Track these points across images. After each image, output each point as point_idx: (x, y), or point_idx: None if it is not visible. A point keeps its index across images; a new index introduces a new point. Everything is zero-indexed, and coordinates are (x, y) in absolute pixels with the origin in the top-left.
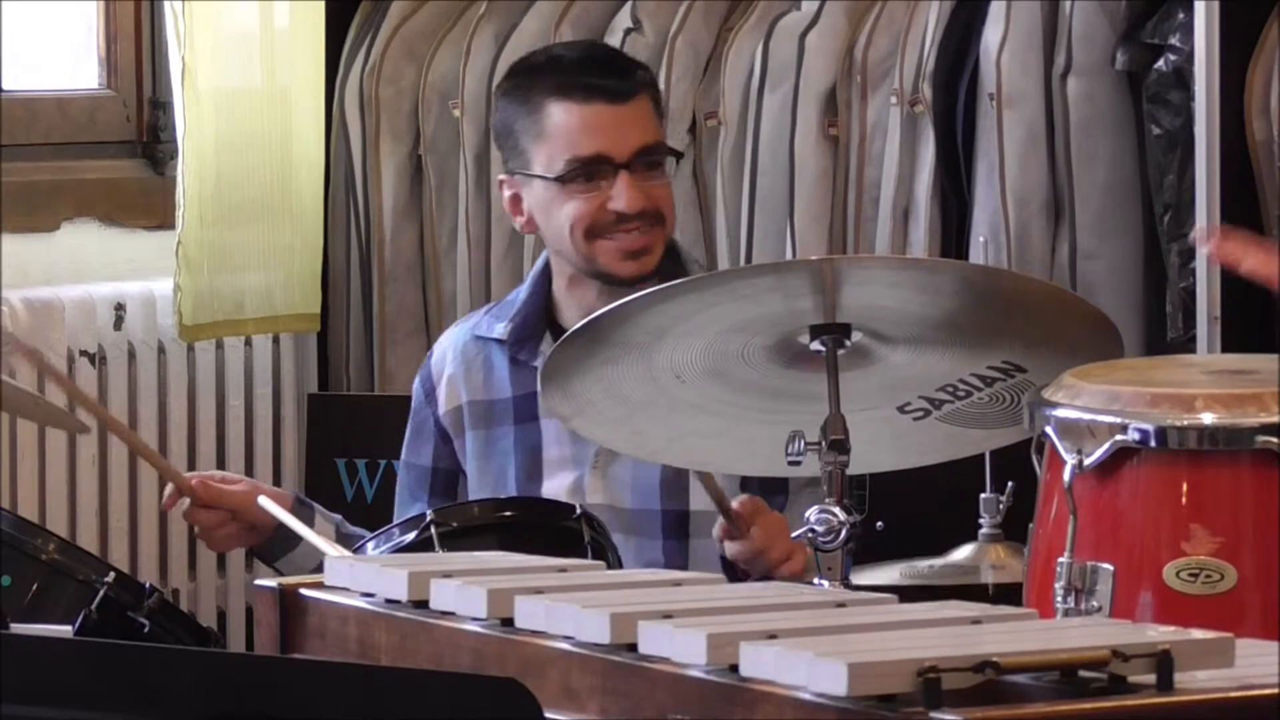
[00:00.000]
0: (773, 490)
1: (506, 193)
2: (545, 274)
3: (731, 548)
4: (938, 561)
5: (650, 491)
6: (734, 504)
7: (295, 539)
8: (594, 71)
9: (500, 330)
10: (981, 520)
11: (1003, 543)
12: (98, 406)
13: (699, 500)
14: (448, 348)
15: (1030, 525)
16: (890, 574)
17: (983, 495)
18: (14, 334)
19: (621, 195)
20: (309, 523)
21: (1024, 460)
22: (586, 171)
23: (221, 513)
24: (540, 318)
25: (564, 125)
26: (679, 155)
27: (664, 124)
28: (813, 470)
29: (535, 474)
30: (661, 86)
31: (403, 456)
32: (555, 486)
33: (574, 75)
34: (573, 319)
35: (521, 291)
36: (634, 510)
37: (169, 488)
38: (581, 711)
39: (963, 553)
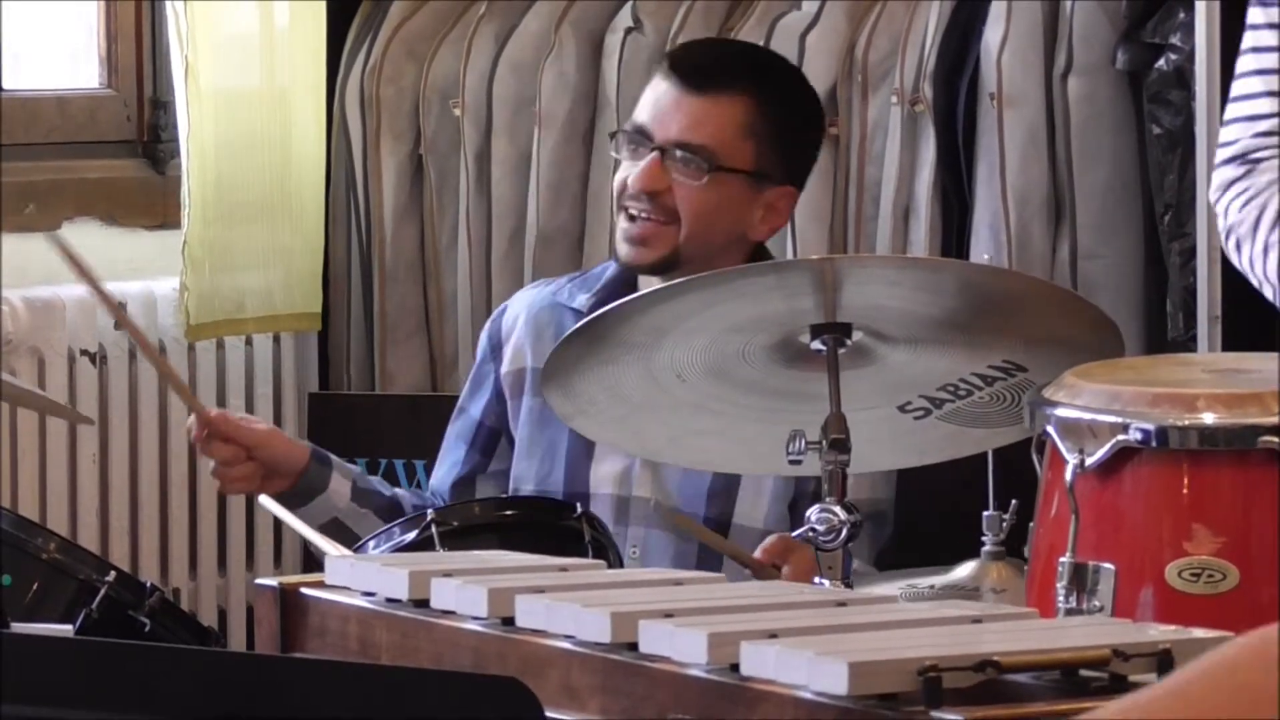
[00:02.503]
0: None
1: None
2: None
3: None
4: (939, 581)
5: (697, 495)
6: (758, 552)
7: (312, 492)
8: (691, 55)
9: (581, 302)
10: (984, 537)
11: (1004, 560)
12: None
13: (744, 514)
14: (521, 309)
15: (1031, 525)
16: (890, 592)
17: (986, 513)
18: None
19: (637, 172)
20: (327, 475)
21: (1026, 469)
22: (631, 139)
23: (236, 448)
24: (621, 296)
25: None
26: (728, 171)
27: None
28: (814, 470)
29: (586, 454)
30: None
31: (459, 402)
32: (604, 471)
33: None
34: None
35: (610, 267)
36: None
37: (191, 419)
38: (582, 711)
39: (964, 570)
